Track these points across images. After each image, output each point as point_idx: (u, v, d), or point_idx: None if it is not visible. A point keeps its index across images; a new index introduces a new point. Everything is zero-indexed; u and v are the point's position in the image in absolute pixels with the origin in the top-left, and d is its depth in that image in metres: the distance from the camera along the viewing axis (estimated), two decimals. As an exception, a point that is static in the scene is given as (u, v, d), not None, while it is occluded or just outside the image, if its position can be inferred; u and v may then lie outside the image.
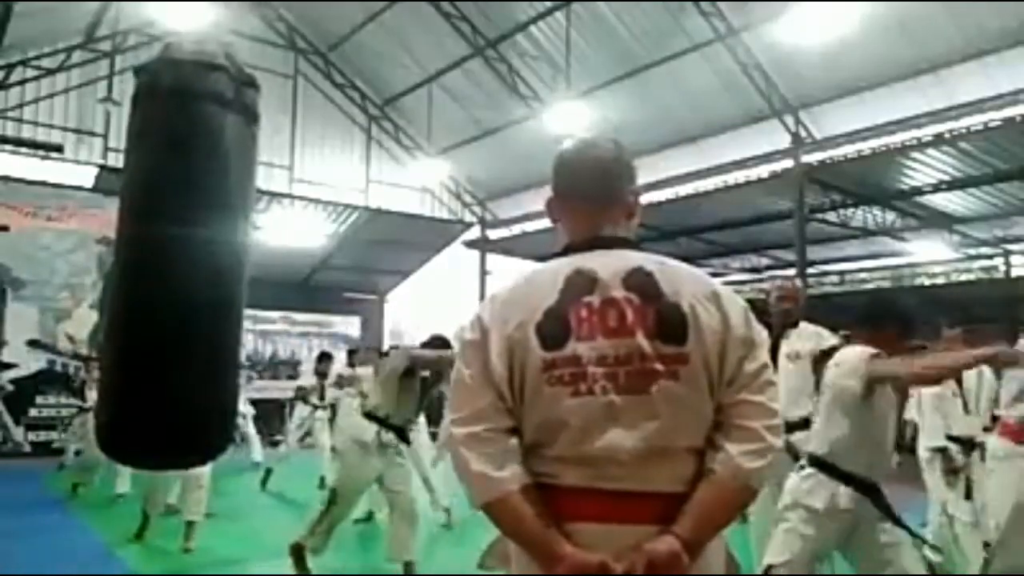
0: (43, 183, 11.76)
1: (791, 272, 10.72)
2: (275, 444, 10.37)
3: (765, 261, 15.29)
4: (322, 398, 8.53)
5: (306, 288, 16.00)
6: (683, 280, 1.37)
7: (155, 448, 2.83)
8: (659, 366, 1.30)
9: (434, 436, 7.14)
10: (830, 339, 3.97)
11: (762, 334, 1.41)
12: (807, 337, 4.09)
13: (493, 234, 16.63)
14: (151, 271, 2.75)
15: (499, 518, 1.32)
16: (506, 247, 16.25)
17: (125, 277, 2.86)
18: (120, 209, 2.93)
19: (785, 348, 4.07)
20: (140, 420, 2.74)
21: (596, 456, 1.29)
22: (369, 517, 6.46)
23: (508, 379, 1.33)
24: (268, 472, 8.55)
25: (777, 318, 4.15)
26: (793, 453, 3.20)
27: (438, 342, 4.75)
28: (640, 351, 1.31)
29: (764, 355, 1.38)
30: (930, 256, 14.52)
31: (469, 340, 1.38)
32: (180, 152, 2.76)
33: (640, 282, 1.35)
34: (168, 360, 2.71)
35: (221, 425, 3.00)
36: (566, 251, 1.45)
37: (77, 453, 8.60)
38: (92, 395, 7.51)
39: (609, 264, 1.38)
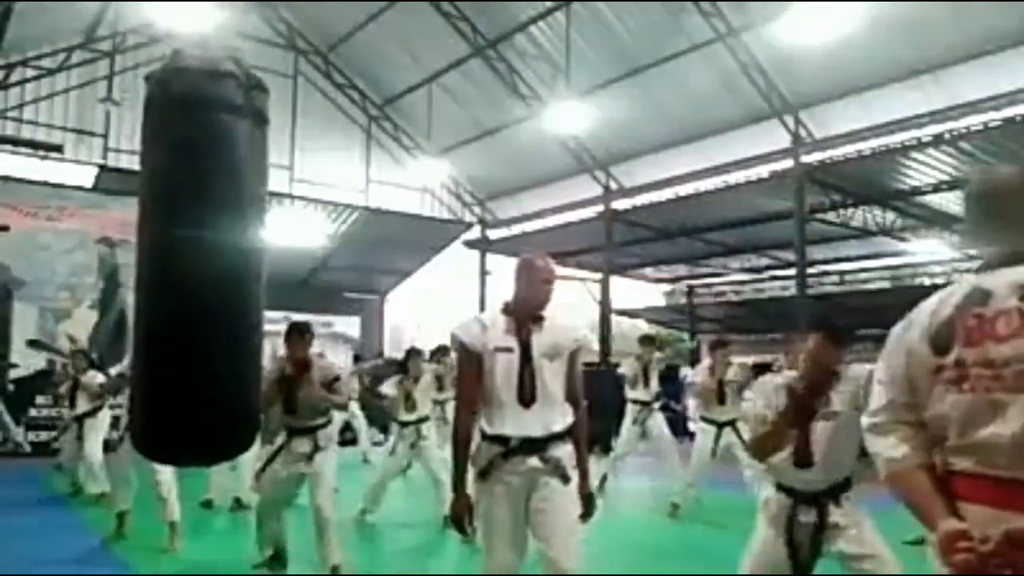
0: (43, 183, 11.75)
1: (791, 272, 10.71)
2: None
3: (765, 261, 15.28)
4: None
5: (306, 288, 15.99)
6: None
7: (187, 446, 2.96)
8: None
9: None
10: None
11: None
12: None
13: (493, 234, 16.62)
14: (174, 276, 2.83)
15: (896, 488, 1.57)
16: (506, 247, 16.24)
17: (150, 282, 2.95)
18: (140, 215, 3.01)
19: None
20: (172, 420, 2.85)
21: (980, 446, 1.43)
22: (363, 514, 6.53)
23: (907, 380, 1.59)
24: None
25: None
26: None
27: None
28: None
29: None
30: (930, 256, 14.52)
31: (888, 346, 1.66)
32: (196, 159, 2.82)
33: None
34: (195, 361, 2.80)
35: (247, 421, 3.11)
36: (978, 270, 1.61)
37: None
38: (83, 403, 7.11)
39: (1007, 279, 1.50)
